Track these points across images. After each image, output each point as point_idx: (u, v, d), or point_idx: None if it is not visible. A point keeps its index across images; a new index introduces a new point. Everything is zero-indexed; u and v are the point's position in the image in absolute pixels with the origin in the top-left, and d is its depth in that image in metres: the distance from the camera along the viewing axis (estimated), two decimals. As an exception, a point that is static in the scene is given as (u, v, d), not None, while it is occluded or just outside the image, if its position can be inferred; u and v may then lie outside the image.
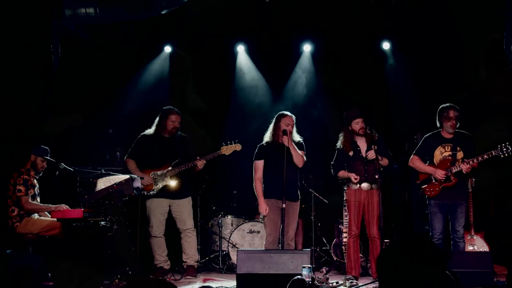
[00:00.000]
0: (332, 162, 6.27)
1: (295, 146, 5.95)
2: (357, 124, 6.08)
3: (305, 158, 6.01)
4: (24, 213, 6.08)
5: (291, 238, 5.98)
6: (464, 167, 5.79)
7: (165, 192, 6.52)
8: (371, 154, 5.96)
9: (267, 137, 6.11)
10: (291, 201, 5.96)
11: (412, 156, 6.22)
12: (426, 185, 6.05)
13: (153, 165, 6.51)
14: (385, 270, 1.95)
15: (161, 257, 6.60)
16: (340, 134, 6.24)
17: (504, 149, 5.59)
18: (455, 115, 5.94)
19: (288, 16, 7.86)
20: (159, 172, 6.47)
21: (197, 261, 6.73)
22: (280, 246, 5.93)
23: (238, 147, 6.39)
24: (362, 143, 6.14)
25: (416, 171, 6.26)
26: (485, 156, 5.70)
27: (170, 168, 6.48)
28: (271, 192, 6.00)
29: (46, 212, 6.29)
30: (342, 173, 6.17)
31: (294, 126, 6.07)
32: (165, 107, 6.68)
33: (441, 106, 6.07)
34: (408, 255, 1.92)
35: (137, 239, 6.16)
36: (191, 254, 6.62)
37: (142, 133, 6.69)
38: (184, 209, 6.61)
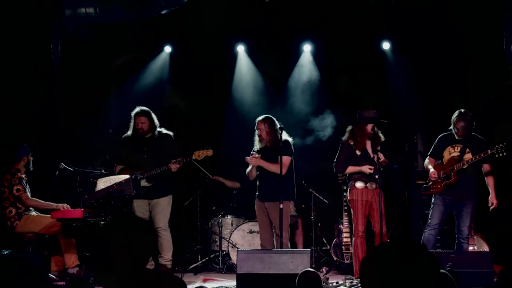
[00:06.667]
0: (335, 159, 6.13)
1: (265, 162, 6.06)
2: (366, 127, 6.03)
3: (286, 163, 5.98)
4: (22, 211, 6.07)
5: (284, 237, 5.98)
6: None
7: (145, 193, 6.36)
8: (382, 157, 5.96)
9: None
10: (271, 201, 6.06)
11: (427, 158, 6.35)
12: (431, 183, 6.17)
13: (132, 167, 6.34)
14: (371, 272, 1.91)
15: None
16: (348, 129, 6.12)
17: (499, 149, 5.72)
18: (461, 125, 6.02)
19: (288, 16, 7.86)
20: (137, 174, 6.26)
21: (169, 261, 6.46)
22: (275, 245, 6.03)
23: (209, 152, 6.22)
24: (368, 144, 6.11)
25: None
26: (482, 155, 5.85)
27: (145, 170, 6.27)
28: (257, 194, 6.23)
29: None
30: (351, 168, 6.03)
31: (268, 127, 6.11)
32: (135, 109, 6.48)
33: (456, 111, 6.12)
34: (400, 257, 1.88)
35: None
36: (162, 253, 6.43)
37: (123, 136, 6.53)
38: (157, 208, 6.40)
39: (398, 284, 1.81)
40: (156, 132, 6.48)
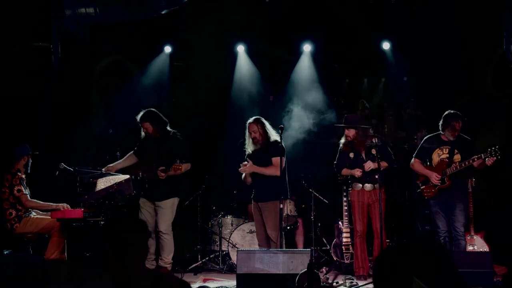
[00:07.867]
0: (335, 162, 6.50)
1: (258, 167, 6.07)
2: (348, 131, 6.30)
3: (279, 164, 5.91)
4: (22, 214, 6.07)
5: (272, 236, 6.01)
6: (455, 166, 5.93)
7: (147, 194, 6.41)
8: (368, 166, 6.13)
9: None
10: (262, 202, 6.11)
11: (413, 159, 6.33)
12: (424, 186, 6.16)
13: (142, 166, 6.44)
14: (384, 270, 1.90)
15: None
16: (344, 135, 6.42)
17: (493, 153, 5.71)
18: (460, 126, 6.01)
19: (288, 16, 7.85)
20: (142, 173, 6.34)
21: (169, 264, 6.48)
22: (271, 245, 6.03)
23: (180, 166, 6.09)
24: (361, 147, 6.25)
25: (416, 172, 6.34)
26: (476, 159, 5.82)
27: (143, 171, 6.32)
28: (253, 194, 6.26)
29: (40, 212, 6.27)
30: (345, 171, 6.42)
31: (261, 128, 6.14)
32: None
33: (447, 113, 6.09)
34: (414, 255, 1.86)
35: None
36: (162, 256, 6.44)
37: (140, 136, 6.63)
38: (159, 211, 6.39)
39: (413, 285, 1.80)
40: (163, 133, 6.45)
